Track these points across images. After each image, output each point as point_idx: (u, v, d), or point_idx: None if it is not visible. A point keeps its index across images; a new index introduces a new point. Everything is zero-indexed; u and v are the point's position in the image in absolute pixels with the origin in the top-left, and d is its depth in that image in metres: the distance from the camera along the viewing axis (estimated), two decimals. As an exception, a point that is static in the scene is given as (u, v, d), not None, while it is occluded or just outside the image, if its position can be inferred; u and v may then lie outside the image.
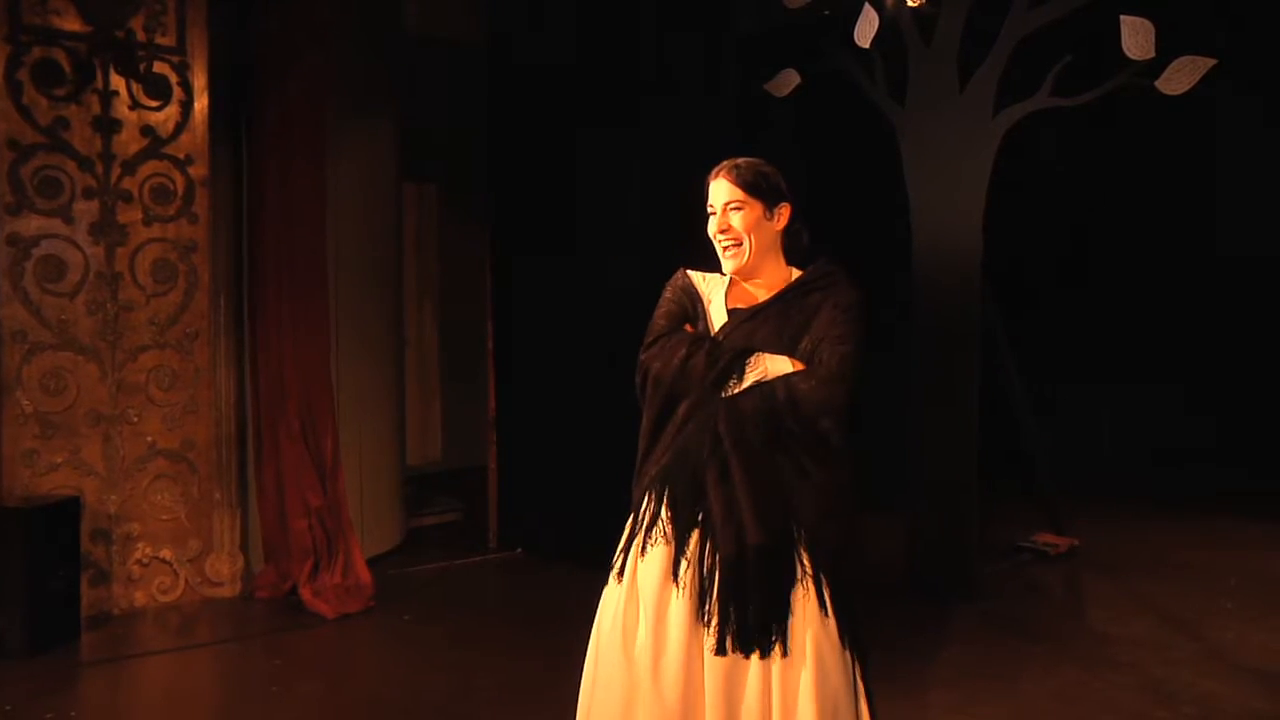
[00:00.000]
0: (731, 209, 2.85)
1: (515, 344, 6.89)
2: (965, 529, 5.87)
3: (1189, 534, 7.22)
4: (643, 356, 2.84)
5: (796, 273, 2.90)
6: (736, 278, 2.90)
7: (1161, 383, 9.34)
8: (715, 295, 2.90)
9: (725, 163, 2.89)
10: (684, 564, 2.73)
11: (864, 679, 2.76)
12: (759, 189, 2.85)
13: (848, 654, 2.71)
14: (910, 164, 5.94)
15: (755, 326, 2.79)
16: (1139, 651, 5.02)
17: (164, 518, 5.75)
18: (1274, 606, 5.69)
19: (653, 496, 2.81)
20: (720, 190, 2.86)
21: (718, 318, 2.86)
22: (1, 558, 5.05)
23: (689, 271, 2.96)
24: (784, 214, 2.88)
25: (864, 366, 2.74)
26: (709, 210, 2.90)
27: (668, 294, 2.93)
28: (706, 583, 2.70)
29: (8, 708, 4.47)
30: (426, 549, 6.92)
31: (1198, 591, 5.94)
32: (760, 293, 2.88)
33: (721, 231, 2.86)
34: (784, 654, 2.66)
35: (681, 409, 2.79)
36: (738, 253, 2.85)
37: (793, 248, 2.94)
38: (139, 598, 5.69)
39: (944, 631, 5.32)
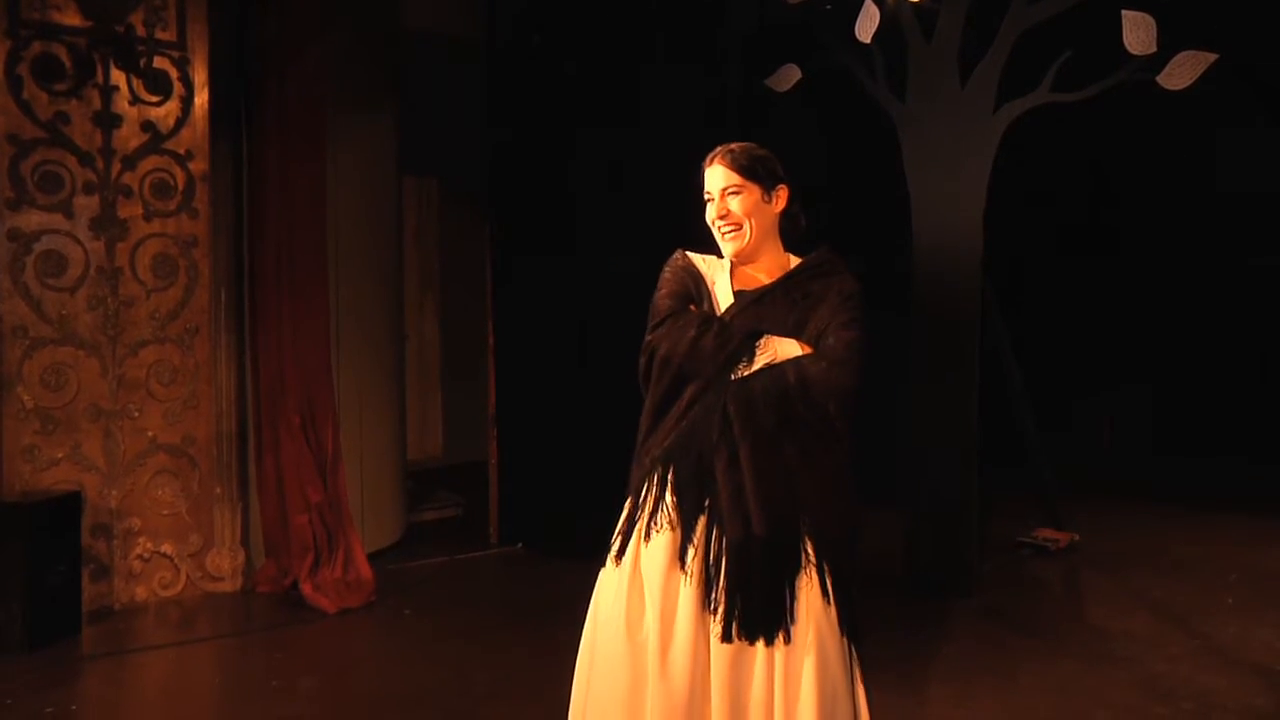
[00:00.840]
0: (730, 194, 2.84)
1: (516, 339, 6.89)
2: (964, 524, 5.87)
3: (1189, 529, 7.22)
4: (650, 337, 2.81)
5: (795, 259, 2.89)
6: (736, 262, 2.89)
7: (1163, 378, 9.34)
8: (718, 277, 2.89)
9: (720, 148, 2.88)
10: (691, 551, 2.72)
11: (859, 664, 2.75)
12: (755, 172, 2.84)
13: (845, 641, 2.71)
14: (911, 160, 5.94)
15: (762, 310, 2.78)
16: (1138, 647, 5.03)
17: (165, 513, 5.76)
18: (1274, 602, 5.69)
19: (655, 479, 2.78)
20: (716, 176, 2.85)
21: (723, 298, 2.84)
22: (2, 553, 5.06)
23: (688, 253, 2.93)
24: (782, 196, 2.87)
25: (869, 354, 2.75)
26: (706, 197, 2.88)
27: (668, 274, 2.90)
28: (713, 570, 2.69)
29: (8, 701, 4.48)
30: (427, 544, 6.93)
31: (1198, 587, 5.94)
32: (761, 275, 2.87)
33: (720, 217, 2.84)
34: (787, 641, 2.66)
35: (688, 391, 2.77)
36: (738, 236, 2.84)
37: (790, 230, 2.93)
38: (140, 593, 5.70)
39: (943, 626, 5.32)
